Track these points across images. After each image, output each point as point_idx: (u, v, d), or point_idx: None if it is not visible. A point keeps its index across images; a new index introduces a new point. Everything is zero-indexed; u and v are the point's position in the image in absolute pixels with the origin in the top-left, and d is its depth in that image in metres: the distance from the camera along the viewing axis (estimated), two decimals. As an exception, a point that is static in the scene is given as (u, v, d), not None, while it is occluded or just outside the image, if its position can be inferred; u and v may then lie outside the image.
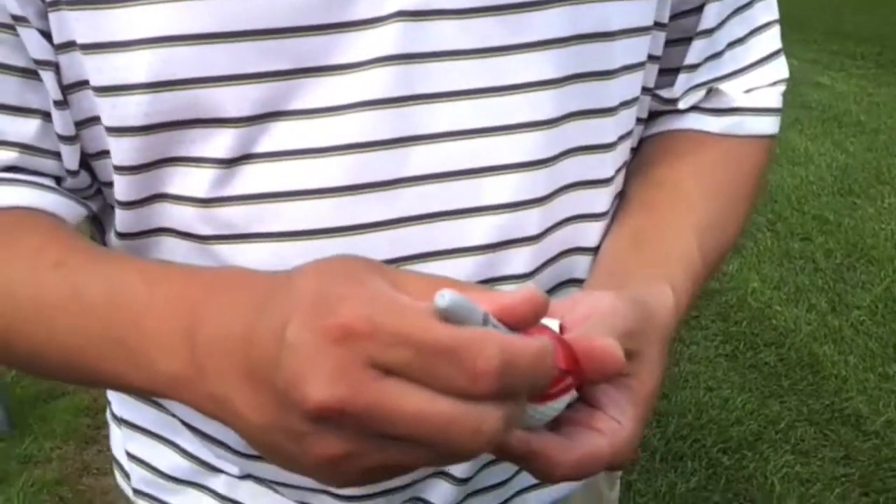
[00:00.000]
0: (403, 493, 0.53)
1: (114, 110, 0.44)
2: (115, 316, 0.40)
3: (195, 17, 0.42)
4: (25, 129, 0.46)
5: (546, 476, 0.37)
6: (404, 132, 0.45)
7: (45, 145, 0.47)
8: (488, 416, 0.31)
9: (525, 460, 0.37)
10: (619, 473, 0.71)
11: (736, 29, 0.58)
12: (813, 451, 2.02)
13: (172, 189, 0.46)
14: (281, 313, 0.33)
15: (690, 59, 0.57)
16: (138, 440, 0.59)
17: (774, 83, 0.60)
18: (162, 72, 0.43)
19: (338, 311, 0.31)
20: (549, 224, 0.50)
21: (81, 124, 0.47)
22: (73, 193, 0.49)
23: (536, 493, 0.59)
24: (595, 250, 0.54)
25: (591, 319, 0.39)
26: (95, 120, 0.46)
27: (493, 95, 0.46)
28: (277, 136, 0.45)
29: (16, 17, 0.43)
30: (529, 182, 0.48)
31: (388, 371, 0.31)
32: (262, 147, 0.45)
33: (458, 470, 0.53)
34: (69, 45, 0.44)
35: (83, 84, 0.45)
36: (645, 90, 0.55)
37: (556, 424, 0.38)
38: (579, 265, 0.54)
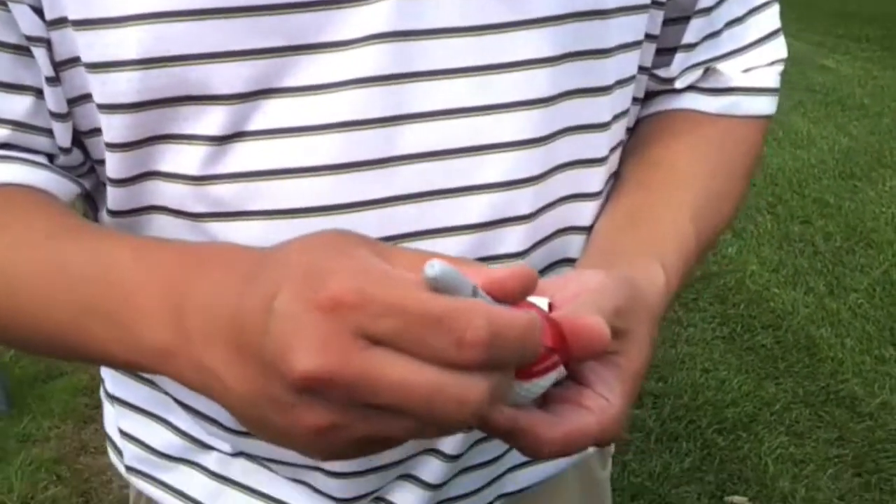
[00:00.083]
0: (394, 469, 0.54)
1: (105, 87, 0.44)
2: (104, 291, 0.40)
3: None
4: (18, 106, 0.46)
5: (534, 452, 0.38)
6: (398, 110, 0.45)
7: (38, 122, 0.47)
8: (474, 387, 0.31)
9: (513, 436, 0.37)
10: (611, 452, 0.72)
11: (735, 8, 0.58)
12: (807, 433, 2.03)
13: (164, 167, 0.46)
14: (270, 285, 0.33)
15: (688, 38, 0.56)
16: (131, 418, 0.59)
17: (773, 63, 0.60)
18: (153, 48, 0.42)
19: (328, 285, 0.31)
20: (543, 203, 0.50)
21: (74, 101, 0.46)
22: (66, 171, 0.49)
23: (527, 471, 0.59)
24: (589, 230, 0.54)
25: (580, 298, 0.39)
26: (88, 97, 0.45)
27: (489, 73, 0.46)
28: (270, 113, 0.44)
29: (6, -7, 0.43)
30: (524, 161, 0.48)
31: (377, 341, 0.31)
32: (255, 125, 0.45)
33: (448, 447, 0.53)
34: (61, 21, 0.43)
35: (75, 61, 0.44)
36: (642, 69, 0.55)
37: (544, 401, 0.38)
38: (573, 244, 0.54)
